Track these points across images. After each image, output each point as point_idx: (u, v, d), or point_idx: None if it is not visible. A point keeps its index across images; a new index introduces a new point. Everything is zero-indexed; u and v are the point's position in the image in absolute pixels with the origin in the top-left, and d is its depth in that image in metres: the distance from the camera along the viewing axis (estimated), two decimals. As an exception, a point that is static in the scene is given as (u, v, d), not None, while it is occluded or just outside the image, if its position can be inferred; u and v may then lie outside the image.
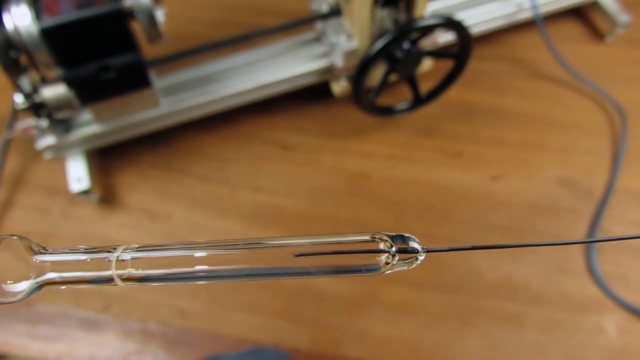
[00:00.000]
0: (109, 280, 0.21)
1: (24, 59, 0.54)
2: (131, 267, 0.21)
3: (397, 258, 0.22)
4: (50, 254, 0.22)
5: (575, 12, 0.84)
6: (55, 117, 0.60)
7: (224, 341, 0.58)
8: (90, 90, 0.57)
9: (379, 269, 0.22)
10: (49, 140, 0.63)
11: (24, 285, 0.22)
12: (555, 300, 0.60)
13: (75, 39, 0.53)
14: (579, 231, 0.65)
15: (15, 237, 0.22)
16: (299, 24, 0.69)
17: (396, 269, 0.22)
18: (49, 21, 0.51)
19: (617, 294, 0.60)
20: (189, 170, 0.69)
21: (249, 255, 0.21)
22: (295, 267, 0.21)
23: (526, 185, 0.68)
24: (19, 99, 0.57)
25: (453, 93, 0.71)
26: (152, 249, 0.22)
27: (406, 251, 0.22)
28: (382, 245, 0.22)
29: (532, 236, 0.64)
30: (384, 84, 0.66)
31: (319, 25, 0.70)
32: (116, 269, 0.21)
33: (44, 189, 0.68)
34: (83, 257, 0.22)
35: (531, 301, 0.60)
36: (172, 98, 0.67)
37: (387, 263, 0.22)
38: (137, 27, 0.55)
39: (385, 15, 0.63)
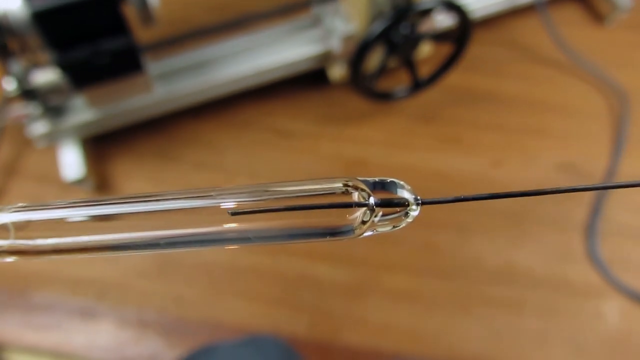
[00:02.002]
0: None
1: (13, 44, 0.53)
2: (15, 236, 0.16)
3: (379, 214, 0.16)
4: None
5: (575, -4, 0.83)
6: (48, 103, 0.59)
7: (221, 329, 0.57)
8: (82, 74, 0.56)
9: (352, 230, 0.16)
10: (42, 128, 0.62)
11: None
12: (556, 286, 0.60)
13: (66, 22, 0.52)
14: (580, 216, 0.64)
15: None
16: (295, 7, 0.67)
17: (378, 230, 0.16)
18: (40, 5, 0.50)
19: (618, 280, 0.60)
20: (185, 158, 0.69)
21: (173, 216, 0.16)
22: (229, 231, 0.15)
23: (526, 170, 0.67)
24: (9, 85, 0.56)
25: (452, 78, 0.70)
26: (43, 208, 0.16)
27: (391, 204, 0.16)
28: (356, 197, 0.16)
29: (533, 222, 0.63)
30: (383, 69, 0.65)
31: (316, 9, 0.69)
32: None
33: (37, 178, 0.67)
34: None
35: (532, 287, 0.60)
36: (167, 84, 0.66)
37: (363, 222, 0.16)
38: (132, 13, 0.54)
39: (383, -2, 0.62)
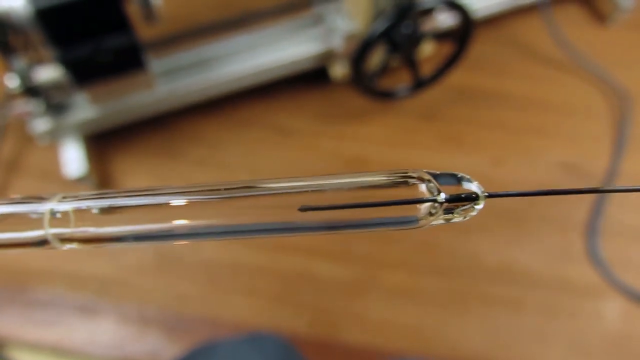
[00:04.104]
0: (42, 242, 0.16)
1: (15, 41, 0.53)
2: (75, 223, 0.16)
3: (443, 206, 0.16)
4: None
5: (578, -4, 0.83)
6: (50, 100, 0.60)
7: (222, 326, 0.58)
8: (85, 71, 0.56)
9: (416, 221, 0.16)
10: (44, 124, 0.62)
11: None
12: (556, 286, 0.60)
13: (69, 19, 0.52)
14: (581, 216, 0.64)
15: None
16: (297, 6, 0.67)
17: (439, 221, 0.16)
18: (43, 2, 0.50)
19: (618, 280, 0.60)
20: (186, 155, 0.69)
21: (239, 205, 0.16)
22: (298, 222, 0.16)
23: (527, 170, 0.67)
24: (12, 82, 0.56)
25: (454, 77, 0.70)
26: (105, 196, 0.16)
27: (459, 199, 0.16)
28: (423, 188, 0.16)
29: (533, 221, 0.63)
30: (385, 68, 0.65)
31: (318, 8, 0.69)
32: (51, 226, 0.16)
33: (39, 175, 0.67)
34: (2, 210, 0.16)
35: (531, 286, 0.60)
36: (169, 82, 0.66)
37: (430, 214, 0.16)
38: (134, 10, 0.54)
39: (385, -4, 0.62)
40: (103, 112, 0.64)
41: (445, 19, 0.70)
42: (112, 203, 0.16)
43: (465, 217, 0.16)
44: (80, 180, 0.64)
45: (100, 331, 0.58)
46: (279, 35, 0.70)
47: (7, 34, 0.51)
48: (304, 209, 0.16)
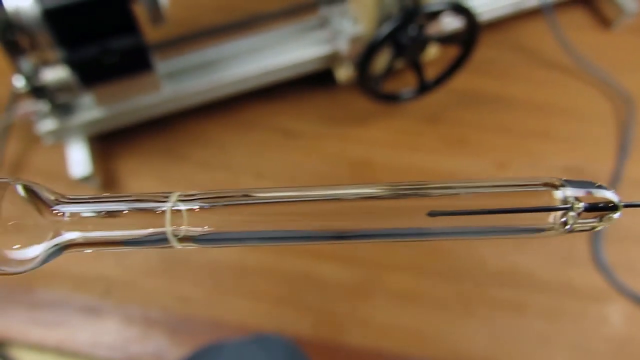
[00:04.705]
0: (161, 240, 0.16)
1: (23, 41, 0.53)
2: (189, 223, 0.16)
3: (581, 216, 0.15)
4: (72, 203, 0.16)
5: (582, 0, 0.83)
6: (57, 101, 0.60)
7: (226, 328, 0.58)
8: (91, 72, 0.56)
9: (543, 230, 0.15)
10: (50, 125, 0.62)
11: (36, 251, 0.16)
12: (560, 289, 0.60)
13: (76, 20, 0.52)
14: (585, 220, 0.64)
15: (20, 183, 0.15)
16: (303, 8, 0.68)
17: (573, 231, 0.16)
18: (51, 3, 0.50)
19: (622, 284, 0.60)
20: (191, 156, 0.69)
21: (360, 208, 0.15)
22: (429, 227, 0.15)
23: (531, 173, 0.67)
24: (19, 82, 0.56)
25: (459, 80, 0.70)
26: (223, 195, 0.16)
27: (597, 208, 0.15)
28: (559, 195, 0.15)
29: (537, 225, 0.63)
30: (390, 71, 0.65)
31: (323, 10, 0.69)
32: (171, 225, 0.15)
33: (44, 174, 0.67)
34: (120, 207, 0.16)
35: (535, 290, 0.60)
36: (174, 83, 0.66)
37: (564, 223, 0.15)
38: (141, 12, 0.54)
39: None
40: (109, 112, 0.64)
41: (450, 23, 0.70)
42: (233, 202, 0.16)
43: (601, 227, 0.16)
44: (84, 181, 0.64)
45: (104, 332, 0.58)
46: (284, 37, 0.70)
47: (15, 34, 0.51)
48: (433, 214, 0.15)
